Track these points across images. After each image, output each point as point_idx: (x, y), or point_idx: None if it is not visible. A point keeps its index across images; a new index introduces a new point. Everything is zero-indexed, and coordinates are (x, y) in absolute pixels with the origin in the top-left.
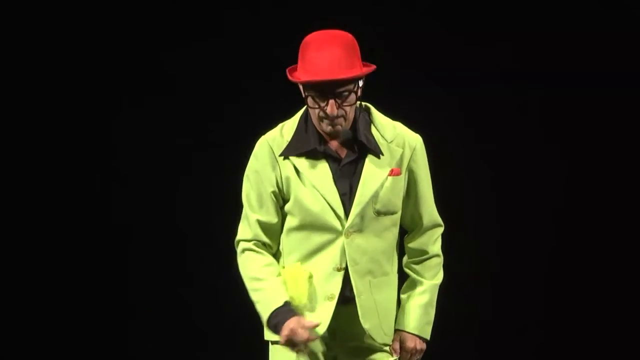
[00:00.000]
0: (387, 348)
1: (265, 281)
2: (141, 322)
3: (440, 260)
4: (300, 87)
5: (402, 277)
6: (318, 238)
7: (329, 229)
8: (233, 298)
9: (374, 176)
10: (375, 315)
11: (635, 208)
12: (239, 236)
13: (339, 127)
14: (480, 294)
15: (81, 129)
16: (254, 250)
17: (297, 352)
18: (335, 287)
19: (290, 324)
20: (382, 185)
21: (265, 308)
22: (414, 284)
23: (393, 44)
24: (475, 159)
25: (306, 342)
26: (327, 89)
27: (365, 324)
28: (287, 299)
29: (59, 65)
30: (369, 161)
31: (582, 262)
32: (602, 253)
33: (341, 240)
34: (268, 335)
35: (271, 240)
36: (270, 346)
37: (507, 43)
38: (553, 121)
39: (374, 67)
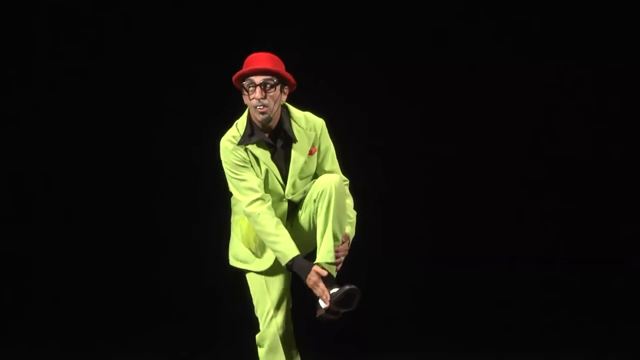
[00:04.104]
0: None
1: (281, 236)
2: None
3: (351, 198)
4: (241, 91)
5: None
6: None
7: (275, 194)
8: None
9: (299, 157)
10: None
11: None
12: (249, 198)
13: (266, 115)
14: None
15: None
16: (267, 212)
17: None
18: None
19: (311, 277)
20: (305, 162)
21: (284, 256)
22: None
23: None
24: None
25: (323, 291)
26: (254, 78)
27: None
28: (298, 252)
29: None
30: (294, 146)
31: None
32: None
33: (284, 201)
34: (235, 262)
35: (264, 190)
36: (246, 275)
37: None
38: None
39: (292, 79)
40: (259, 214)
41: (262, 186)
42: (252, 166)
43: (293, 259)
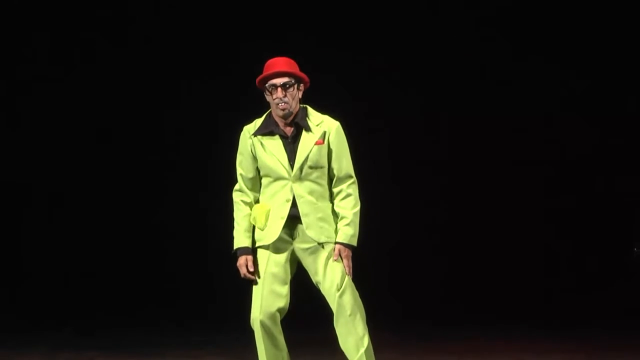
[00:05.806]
0: (328, 244)
1: (240, 226)
2: None
3: (353, 196)
4: (264, 91)
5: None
6: (276, 183)
7: (282, 177)
8: None
9: (306, 146)
10: (317, 228)
11: None
12: (237, 185)
13: (287, 111)
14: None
15: None
16: (240, 203)
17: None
18: (284, 211)
19: (240, 260)
20: (311, 151)
21: (235, 242)
22: (341, 217)
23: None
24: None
25: (244, 275)
26: (275, 81)
27: (310, 233)
28: (246, 244)
29: None
30: (303, 137)
31: None
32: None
33: (290, 184)
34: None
35: (250, 186)
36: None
37: None
38: None
39: (307, 78)
40: (235, 202)
41: (252, 181)
42: (255, 156)
43: (238, 248)
